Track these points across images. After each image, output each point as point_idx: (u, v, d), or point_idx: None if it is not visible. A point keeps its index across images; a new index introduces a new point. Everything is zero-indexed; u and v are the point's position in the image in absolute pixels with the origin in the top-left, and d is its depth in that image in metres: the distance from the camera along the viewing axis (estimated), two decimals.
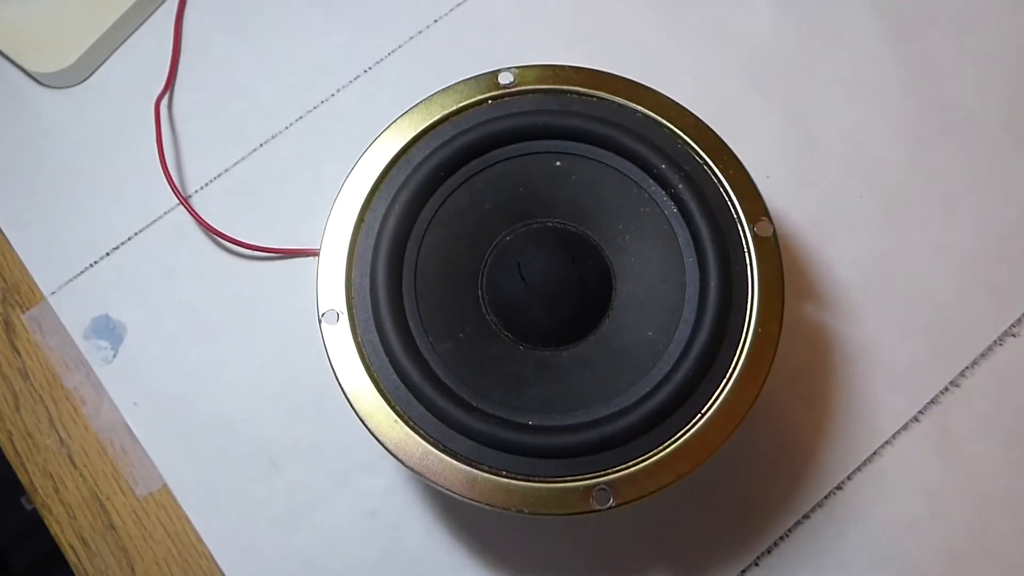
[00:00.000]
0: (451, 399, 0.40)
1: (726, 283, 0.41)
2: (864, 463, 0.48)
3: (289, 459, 0.49)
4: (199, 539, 0.48)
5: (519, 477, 0.39)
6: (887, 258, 0.52)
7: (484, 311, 0.43)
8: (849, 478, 0.48)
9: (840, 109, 0.55)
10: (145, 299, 0.52)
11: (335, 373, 0.40)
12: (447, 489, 0.39)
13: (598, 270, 0.43)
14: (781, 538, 0.47)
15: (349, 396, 0.40)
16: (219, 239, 0.52)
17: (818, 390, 0.49)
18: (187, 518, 0.48)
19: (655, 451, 0.39)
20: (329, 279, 0.42)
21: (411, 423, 0.40)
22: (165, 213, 0.53)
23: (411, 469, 0.39)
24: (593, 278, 0.43)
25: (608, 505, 0.38)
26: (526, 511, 0.38)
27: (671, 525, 0.47)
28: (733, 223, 0.42)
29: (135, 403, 0.50)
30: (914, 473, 0.48)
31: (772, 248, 0.42)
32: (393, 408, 0.40)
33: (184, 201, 0.52)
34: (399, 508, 0.48)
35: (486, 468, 0.39)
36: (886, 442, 0.49)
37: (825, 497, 0.48)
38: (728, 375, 0.40)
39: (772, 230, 0.42)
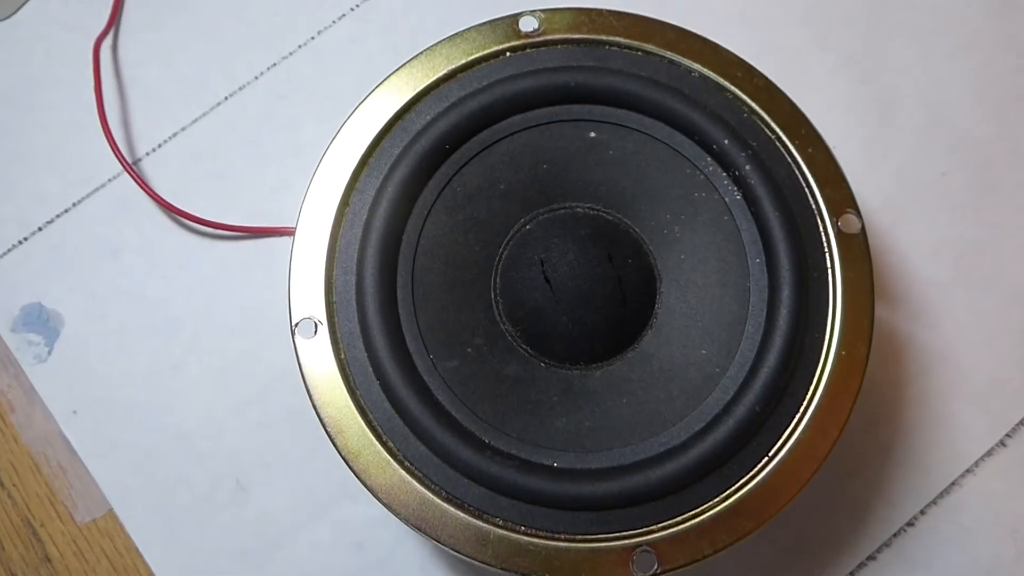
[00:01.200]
0: (457, 434, 0.32)
1: (802, 292, 0.33)
2: (940, 495, 0.41)
3: (259, 481, 0.41)
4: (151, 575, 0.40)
5: (541, 534, 0.31)
6: (973, 249, 0.44)
7: (498, 320, 0.34)
8: (923, 512, 0.41)
9: (920, 67, 0.46)
10: (86, 285, 0.43)
11: (312, 400, 0.32)
12: (452, 548, 0.31)
13: (640, 270, 0.35)
14: None
15: (329, 429, 0.32)
16: (174, 214, 0.43)
17: (887, 408, 0.42)
18: (137, 550, 0.40)
19: (711, 504, 0.31)
20: (304, 279, 0.33)
21: (407, 465, 0.32)
22: (109, 181, 0.45)
23: (407, 523, 0.31)
24: (634, 280, 0.35)
25: (652, 572, 0.31)
26: None
27: (711, 570, 0.39)
28: (812, 215, 0.34)
29: (74, 411, 0.42)
30: (999, 507, 0.41)
31: (860, 249, 0.34)
32: (384, 445, 0.32)
33: (130, 168, 0.43)
34: (390, 542, 0.40)
35: (500, 522, 0.31)
36: (967, 470, 0.41)
37: (894, 535, 0.40)
38: (803, 409, 0.32)
39: (860, 225, 0.34)
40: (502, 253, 0.35)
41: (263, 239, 0.44)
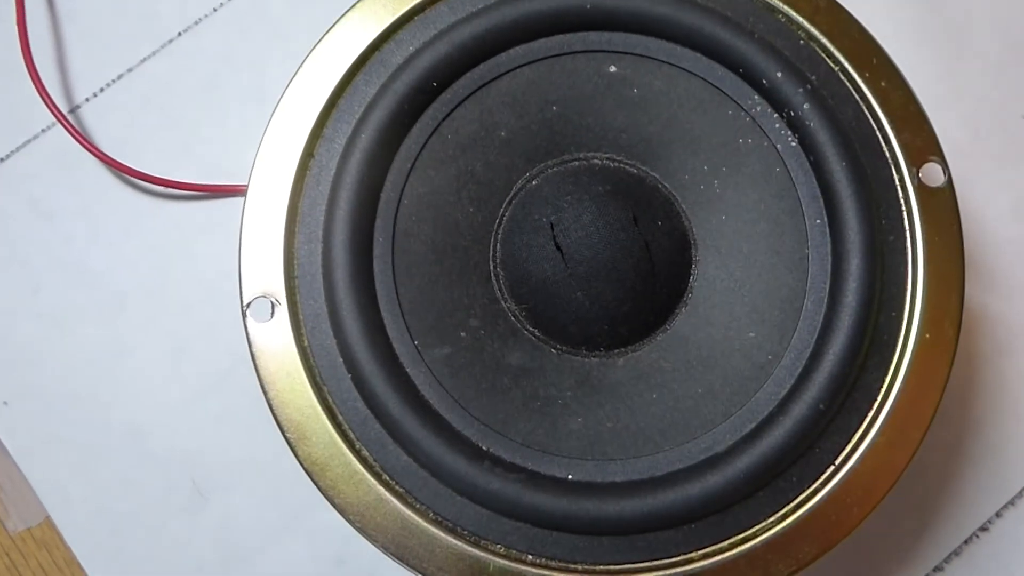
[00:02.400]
0: (448, 439, 0.26)
1: (875, 260, 0.26)
2: (1019, 495, 0.35)
3: (221, 483, 0.35)
4: None
5: (554, 565, 0.25)
6: None
7: (499, 297, 0.28)
8: (998, 515, 0.35)
9: None
10: (15, 253, 0.37)
11: (267, 398, 0.26)
12: None
13: (672, 235, 0.28)
14: None
15: (288, 435, 0.26)
16: (119, 171, 0.37)
17: (957, 395, 0.35)
18: (78, 564, 0.35)
19: (764, 525, 0.25)
20: (259, 249, 0.27)
21: (385, 478, 0.26)
22: (41, 132, 0.38)
23: (385, 551, 0.25)
24: (664, 246, 0.28)
25: None
26: None
27: None
28: (886, 165, 0.28)
29: (4, 402, 0.36)
30: None
31: (947, 206, 0.27)
32: (357, 454, 0.26)
33: (65, 118, 0.36)
34: (373, 555, 0.34)
35: (502, 550, 0.25)
36: None
37: (965, 542, 0.34)
38: (877, 405, 0.26)
39: (947, 177, 0.27)
40: (503, 215, 0.29)
41: (223, 199, 0.37)
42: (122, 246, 0.37)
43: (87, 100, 0.38)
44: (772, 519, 0.25)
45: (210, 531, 0.35)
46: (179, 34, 0.39)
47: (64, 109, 0.38)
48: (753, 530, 0.25)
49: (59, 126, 0.37)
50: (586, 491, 0.26)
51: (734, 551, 0.25)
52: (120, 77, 0.39)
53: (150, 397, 0.36)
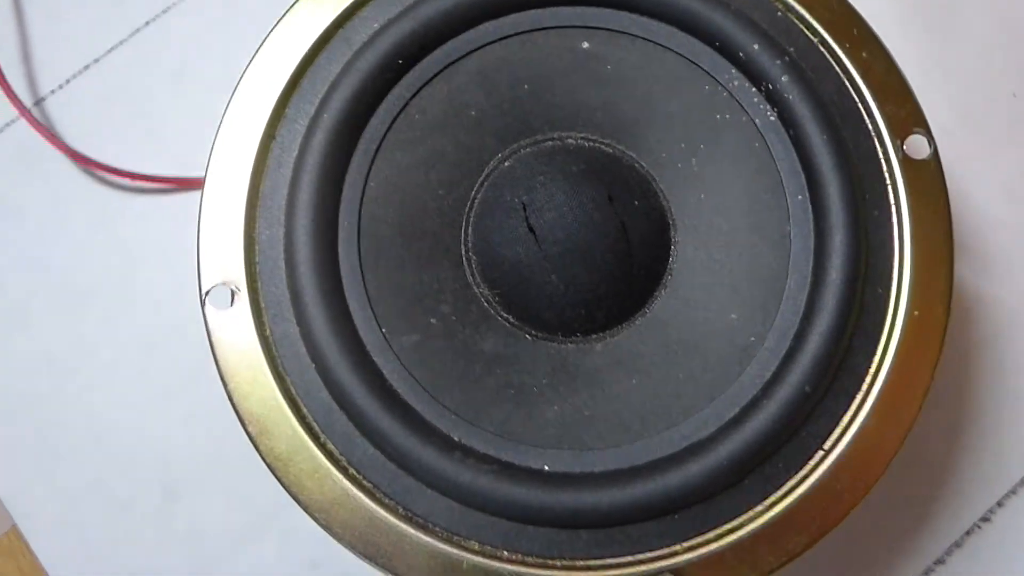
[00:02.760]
0: (417, 430, 0.24)
1: (859, 236, 0.25)
2: (1020, 484, 0.34)
3: (191, 486, 0.34)
4: None
5: (531, 561, 0.24)
6: None
7: (470, 282, 0.27)
8: (1000, 505, 0.34)
9: None
10: None
11: (227, 390, 0.25)
12: None
13: (649, 214, 0.27)
14: None
15: (249, 428, 0.25)
16: (84, 166, 0.36)
17: (955, 380, 0.34)
18: (45, 572, 0.33)
19: (751, 515, 0.24)
20: (217, 235, 0.26)
21: (352, 472, 0.24)
22: (5, 126, 0.37)
23: (352, 549, 0.24)
24: (641, 227, 0.27)
25: None
26: None
27: None
28: (868, 138, 0.27)
29: None
30: None
31: (933, 178, 0.26)
32: (322, 448, 0.24)
33: (27, 112, 0.35)
34: (350, 557, 0.33)
35: (476, 547, 0.24)
36: None
37: (966, 533, 0.33)
38: (866, 387, 0.25)
39: (932, 148, 0.26)
40: (474, 197, 0.28)
41: (193, 192, 0.36)
42: (87, 242, 0.36)
43: (52, 92, 0.37)
44: (759, 508, 0.24)
45: (180, 536, 0.34)
46: (147, 23, 0.38)
47: (28, 102, 0.37)
48: (740, 520, 0.24)
49: (22, 120, 0.36)
50: (563, 482, 0.24)
51: (720, 542, 0.24)
52: (86, 68, 0.38)
53: (117, 398, 0.35)
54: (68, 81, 0.38)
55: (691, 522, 0.24)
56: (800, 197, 0.26)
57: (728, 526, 0.24)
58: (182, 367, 0.35)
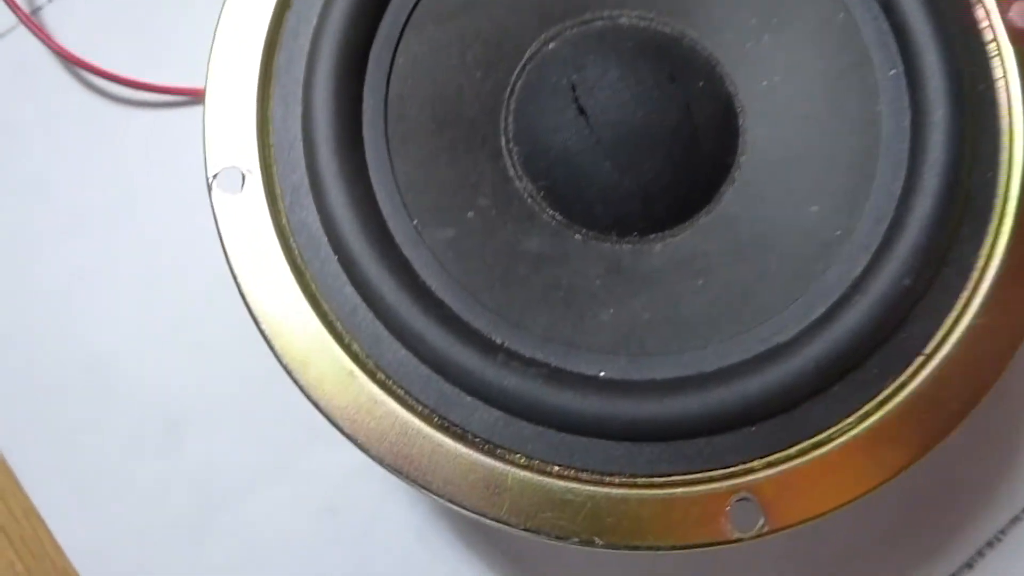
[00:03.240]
0: (455, 330, 0.21)
1: (963, 110, 0.22)
2: None
3: (197, 422, 0.31)
4: (58, 549, 0.30)
5: (585, 476, 0.21)
6: None
7: (512, 174, 0.24)
8: None
9: None
10: None
11: (237, 284, 0.22)
12: (450, 500, 0.21)
13: (713, 96, 0.24)
14: None
15: (263, 326, 0.21)
16: (85, 72, 0.33)
17: None
18: (39, 515, 0.30)
19: (840, 427, 0.21)
20: (226, 113, 0.23)
21: (380, 377, 0.21)
22: (0, 37, 0.34)
23: (381, 462, 0.21)
24: (707, 109, 0.24)
25: (757, 531, 0.20)
26: (599, 542, 0.20)
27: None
28: (968, 4, 0.23)
29: None
30: None
31: None
32: (347, 348, 0.21)
33: (28, 18, 0.32)
34: (372, 501, 0.30)
35: (523, 460, 0.21)
36: None
37: (988, 544, 0.30)
38: (974, 281, 0.22)
39: None
40: (515, 82, 0.24)
41: (201, 104, 0.33)
42: (88, 159, 0.33)
43: (49, 1, 0.34)
44: (850, 420, 0.21)
45: (185, 477, 0.31)
46: None
47: (25, 9, 0.34)
48: (827, 433, 0.21)
49: (17, 31, 0.33)
50: (621, 390, 0.21)
51: (803, 458, 0.21)
52: None
53: (117, 326, 0.32)
54: None
55: (770, 435, 0.21)
56: (892, 72, 0.23)
57: (813, 440, 0.21)
58: (190, 293, 0.32)
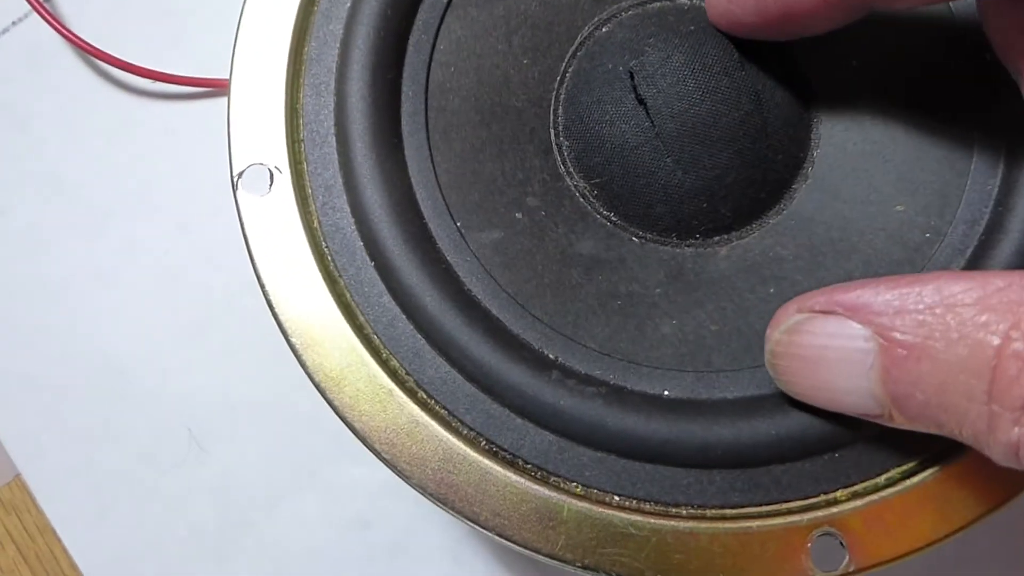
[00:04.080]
0: (504, 344, 0.19)
1: None
2: None
3: (222, 432, 0.29)
4: (74, 567, 0.28)
5: (648, 508, 0.19)
6: None
7: (562, 171, 0.22)
8: None
9: None
10: None
11: (264, 292, 0.20)
12: (500, 534, 0.19)
13: (785, 83, 0.22)
14: None
15: (293, 339, 0.20)
16: (103, 61, 0.31)
17: None
18: (53, 530, 0.29)
19: (935, 452, 0.19)
20: (253, 105, 0.21)
21: (421, 396, 0.19)
22: (12, 25, 0.32)
23: (423, 491, 0.19)
24: (779, 98, 0.21)
25: (842, 570, 0.18)
26: None
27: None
28: None
29: None
30: None
31: None
32: (384, 364, 0.19)
33: (41, 6, 0.31)
34: (406, 516, 0.29)
35: (580, 489, 0.19)
36: None
37: None
38: None
39: None
40: (566, 69, 0.22)
41: (222, 96, 0.31)
42: (105, 154, 0.31)
43: None
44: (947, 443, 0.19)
45: (208, 489, 0.29)
46: None
47: None
48: (921, 459, 0.19)
49: (31, 19, 0.32)
50: (689, 410, 0.19)
51: (894, 488, 0.19)
52: None
53: (138, 329, 0.30)
54: None
55: (856, 462, 0.19)
56: (989, 56, 0.20)
57: (906, 466, 0.19)
58: (212, 296, 0.30)
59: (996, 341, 0.15)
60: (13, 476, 0.29)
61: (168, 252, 0.31)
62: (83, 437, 0.29)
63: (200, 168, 0.31)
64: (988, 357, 0.15)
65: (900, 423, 0.17)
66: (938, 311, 0.15)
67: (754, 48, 0.22)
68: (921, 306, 0.16)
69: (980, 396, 0.15)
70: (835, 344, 0.17)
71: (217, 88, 0.31)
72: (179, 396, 0.29)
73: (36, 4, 0.31)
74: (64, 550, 0.29)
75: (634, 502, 0.19)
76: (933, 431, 0.16)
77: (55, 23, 0.31)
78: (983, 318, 0.15)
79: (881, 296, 0.16)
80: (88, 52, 0.31)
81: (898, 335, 0.16)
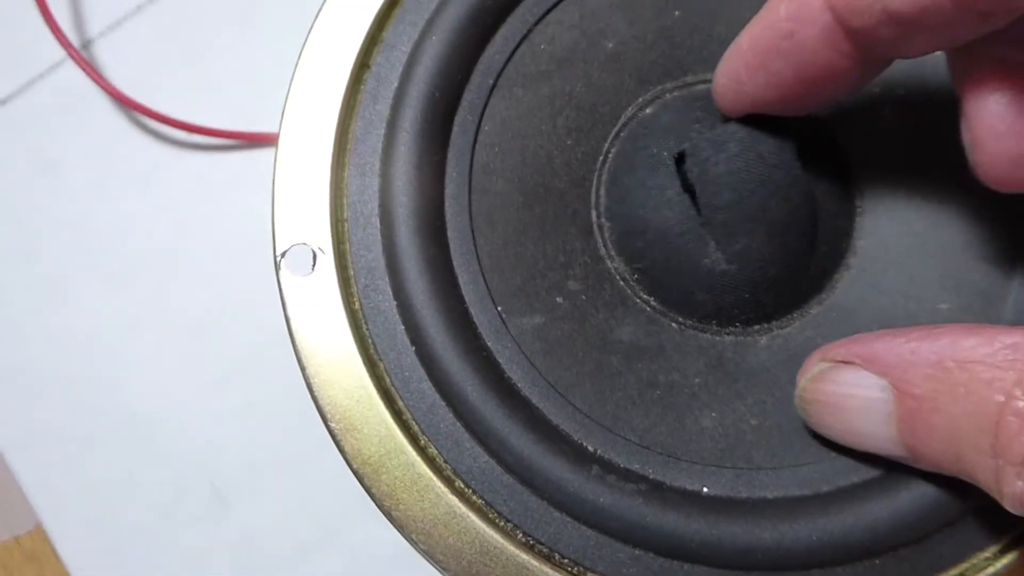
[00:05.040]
0: (544, 435, 0.19)
1: None
2: None
3: (245, 487, 0.29)
4: None
5: None
6: None
7: (603, 252, 0.22)
8: None
9: None
10: (10, 209, 0.31)
11: (305, 375, 0.20)
12: None
13: (835, 174, 0.22)
14: None
15: (332, 424, 0.19)
16: (134, 111, 0.31)
17: None
18: None
19: (986, 555, 0.19)
20: (298, 185, 0.21)
21: (458, 484, 0.19)
22: (47, 71, 0.33)
23: None
24: (826, 188, 0.21)
25: None
26: None
27: None
28: None
29: None
30: None
31: None
32: (423, 453, 0.19)
33: (77, 53, 0.31)
34: None
35: None
36: None
37: None
38: None
39: None
40: (609, 149, 0.22)
41: (254, 149, 0.32)
42: (134, 202, 0.31)
43: (100, 34, 0.33)
44: (987, 554, 0.19)
45: (230, 545, 0.29)
46: None
47: (75, 43, 0.32)
48: (968, 563, 0.18)
49: (66, 64, 0.32)
50: (728, 510, 0.19)
51: None
52: (139, 8, 0.33)
53: (162, 382, 0.30)
54: (119, 22, 0.33)
55: (899, 568, 0.19)
56: None
57: (948, 573, 0.19)
58: (237, 350, 0.30)
59: (1000, 398, 0.15)
60: (34, 525, 0.29)
61: (195, 303, 0.31)
62: (105, 488, 0.29)
63: (231, 220, 0.31)
64: (992, 413, 0.15)
65: (924, 467, 0.17)
66: (948, 365, 0.16)
67: (809, 137, 0.22)
68: (932, 359, 0.16)
69: (987, 450, 0.15)
70: (855, 393, 0.18)
71: (249, 141, 0.31)
72: (202, 450, 0.29)
73: (72, 50, 0.31)
74: None
75: None
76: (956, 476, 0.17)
77: (91, 71, 0.31)
78: (989, 375, 0.15)
79: (895, 348, 0.17)
80: (123, 102, 0.31)
81: (910, 387, 0.17)
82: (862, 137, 0.22)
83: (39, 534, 0.29)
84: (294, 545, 0.29)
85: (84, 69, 0.31)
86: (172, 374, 0.30)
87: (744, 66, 0.19)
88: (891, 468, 0.19)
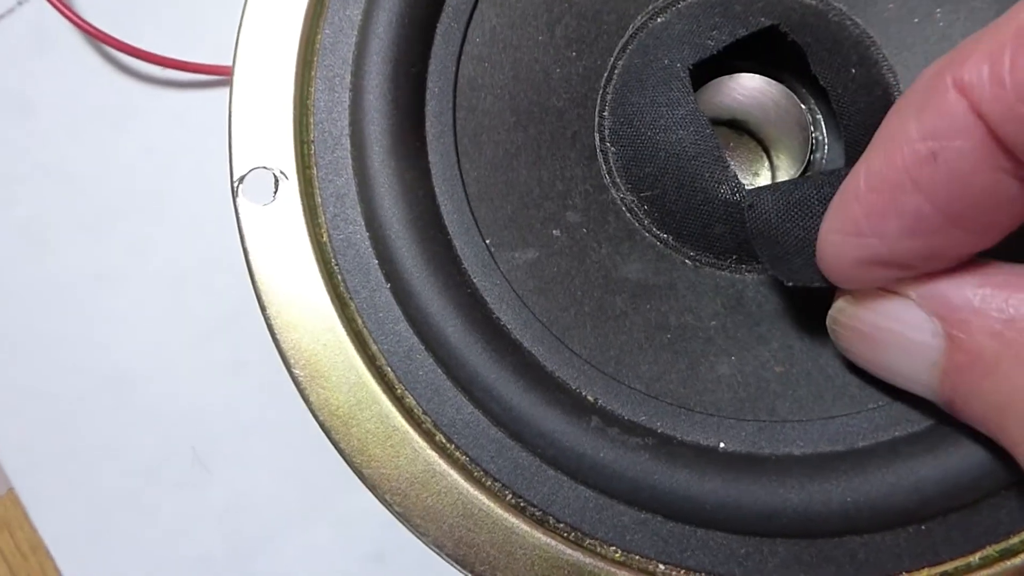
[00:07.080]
0: (538, 383, 0.17)
1: None
2: None
3: (229, 452, 0.27)
4: None
5: None
6: None
7: (607, 180, 0.19)
8: None
9: None
10: None
11: (265, 315, 0.17)
12: None
13: (868, 88, 0.19)
14: None
15: (296, 371, 0.17)
16: (110, 47, 0.29)
17: None
18: (46, 550, 0.27)
19: None
20: (257, 101, 0.18)
21: (439, 439, 0.17)
22: (16, 5, 0.30)
23: (439, 551, 0.16)
24: (860, 104, 0.19)
25: None
26: None
27: None
28: None
29: None
30: None
31: None
32: (399, 403, 0.17)
33: None
34: (422, 550, 0.26)
35: (619, 555, 0.16)
36: None
37: None
38: None
39: None
40: (614, 64, 0.20)
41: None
42: (111, 144, 0.29)
43: None
44: None
45: (214, 513, 0.27)
46: None
47: None
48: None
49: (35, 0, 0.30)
50: (749, 468, 0.17)
51: (992, 569, 0.16)
52: None
53: (143, 337, 0.28)
54: None
55: (946, 537, 0.16)
56: None
57: (1002, 544, 0.16)
58: (223, 303, 0.28)
59: None
60: (5, 491, 0.27)
61: (177, 253, 0.29)
62: (81, 451, 0.27)
63: (214, 162, 0.29)
64: None
65: (959, 419, 0.15)
66: (1020, 326, 0.13)
67: (835, 47, 0.19)
68: (1003, 316, 0.13)
69: None
70: (899, 330, 0.15)
71: (228, 75, 0.29)
72: (185, 411, 0.28)
73: None
74: (57, 570, 0.27)
75: (682, 572, 0.16)
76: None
77: (60, 5, 0.29)
78: None
79: (962, 291, 0.14)
80: (95, 37, 0.29)
81: (967, 340, 0.14)
82: (910, 45, 0.19)
83: (11, 499, 0.27)
84: (283, 512, 0.27)
85: (54, 4, 0.29)
86: (153, 329, 0.28)
87: (865, 213, 0.14)
88: (941, 419, 0.16)
